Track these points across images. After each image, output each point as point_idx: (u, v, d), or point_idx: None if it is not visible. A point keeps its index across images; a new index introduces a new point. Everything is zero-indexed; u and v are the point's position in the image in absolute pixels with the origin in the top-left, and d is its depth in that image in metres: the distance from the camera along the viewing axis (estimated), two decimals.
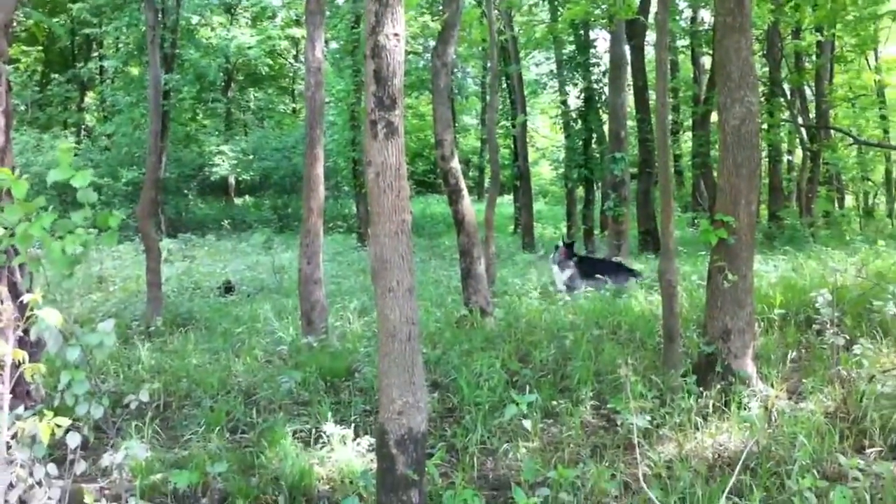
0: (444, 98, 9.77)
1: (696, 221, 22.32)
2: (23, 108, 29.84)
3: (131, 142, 26.30)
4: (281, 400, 6.16)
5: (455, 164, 9.57)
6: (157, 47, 10.98)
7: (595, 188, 17.92)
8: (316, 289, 7.61)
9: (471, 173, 41.77)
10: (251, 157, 29.24)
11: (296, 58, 36.70)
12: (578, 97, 20.77)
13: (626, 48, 14.19)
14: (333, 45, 23.56)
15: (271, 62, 32.78)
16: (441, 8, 9.72)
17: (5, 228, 3.36)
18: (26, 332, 4.35)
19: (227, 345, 7.91)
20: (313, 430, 5.41)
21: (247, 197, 33.04)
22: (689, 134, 27.82)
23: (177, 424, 5.83)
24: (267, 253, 17.79)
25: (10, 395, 4.24)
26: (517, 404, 4.84)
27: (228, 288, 13.06)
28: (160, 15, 21.57)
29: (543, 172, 36.34)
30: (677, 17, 20.16)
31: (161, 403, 6.23)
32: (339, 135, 22.56)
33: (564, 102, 20.55)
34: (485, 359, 6.66)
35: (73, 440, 3.46)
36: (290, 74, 37.43)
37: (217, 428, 5.50)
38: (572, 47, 19.42)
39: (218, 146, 29.26)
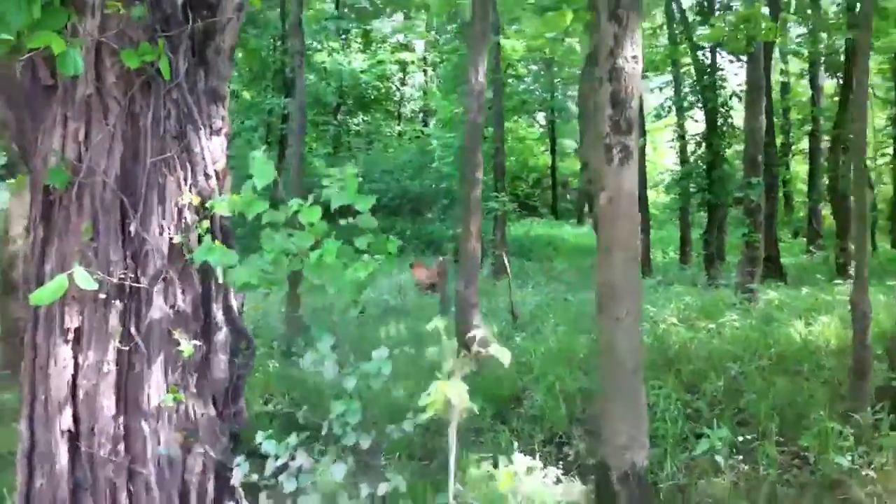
0: (593, 121, 9.66)
1: (811, 249, 21.55)
2: None
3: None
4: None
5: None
6: (302, 73, 11.22)
7: (718, 213, 17.49)
8: (474, 312, 7.58)
9: (568, 196, 41.41)
10: (360, 179, 29.64)
11: (402, 81, 37.21)
12: (696, 121, 20.41)
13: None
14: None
15: (380, 85, 33.33)
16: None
17: (288, 254, 3.36)
18: (234, 352, 4.43)
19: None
20: (497, 459, 5.33)
21: (351, 219, 33.42)
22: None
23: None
24: (384, 274, 17.92)
25: (217, 416, 4.32)
26: (709, 438, 4.68)
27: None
28: (281, 41, 22.17)
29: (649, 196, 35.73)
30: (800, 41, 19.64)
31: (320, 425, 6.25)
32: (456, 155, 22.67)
33: (682, 125, 20.15)
34: (651, 388, 6.48)
35: (339, 471, 3.41)
36: (396, 98, 37.95)
37: (398, 454, 5.49)
38: (686, 68, 19.10)
39: (326, 168, 29.73)
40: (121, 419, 4.06)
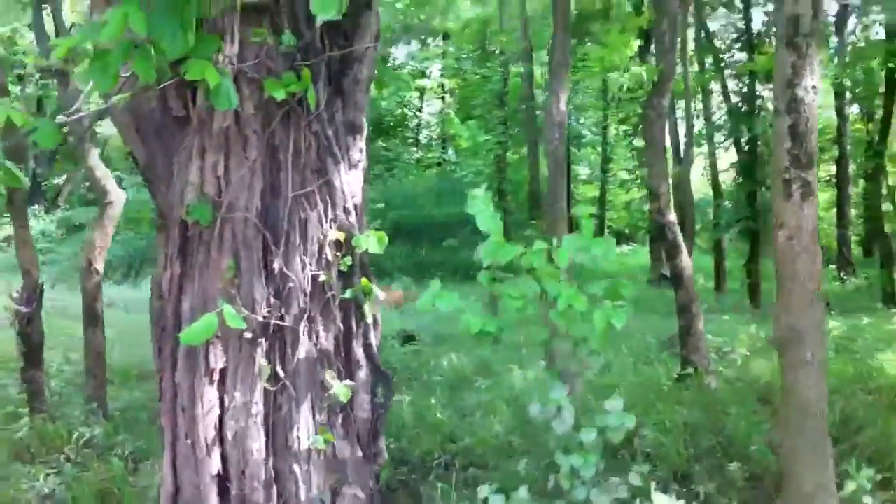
0: (659, 150, 9.56)
1: (842, 277, 21.33)
2: None
3: None
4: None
5: (672, 217, 9.30)
6: None
7: (759, 241, 17.32)
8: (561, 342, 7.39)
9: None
10: (382, 205, 29.59)
11: (419, 109, 37.24)
12: (726, 149, 20.31)
13: None
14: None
15: (400, 112, 33.34)
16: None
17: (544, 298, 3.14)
18: (373, 391, 4.28)
19: (477, 400, 7.70)
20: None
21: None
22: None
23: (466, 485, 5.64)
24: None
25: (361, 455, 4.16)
26: (853, 479, 4.49)
27: (409, 337, 12.95)
28: None
29: None
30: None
31: (442, 462, 6.08)
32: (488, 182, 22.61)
33: (713, 153, 20.03)
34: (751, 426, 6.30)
35: None
36: (414, 125, 37.96)
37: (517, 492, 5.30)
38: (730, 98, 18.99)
39: None
40: (270, 462, 3.91)
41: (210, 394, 3.87)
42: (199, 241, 3.97)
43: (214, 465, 3.84)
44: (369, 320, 4.20)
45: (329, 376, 4.05)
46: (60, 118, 3.51)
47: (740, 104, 17.91)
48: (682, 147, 19.68)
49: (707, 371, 8.86)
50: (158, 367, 4.16)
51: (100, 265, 6.92)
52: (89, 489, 5.37)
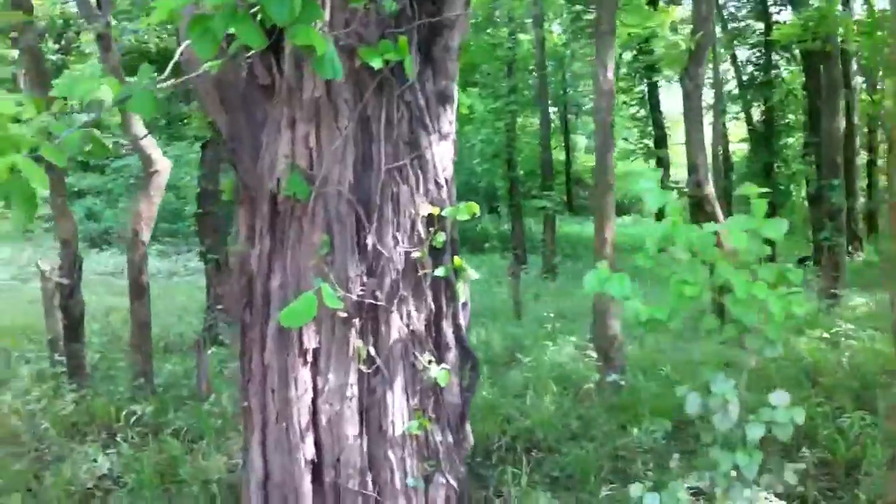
0: (698, 121, 9.41)
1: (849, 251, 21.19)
2: None
3: None
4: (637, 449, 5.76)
5: (710, 190, 9.19)
6: None
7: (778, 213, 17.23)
8: (613, 322, 7.29)
9: (581, 193, 41.06)
10: None
11: None
12: (737, 118, 20.19)
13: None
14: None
15: None
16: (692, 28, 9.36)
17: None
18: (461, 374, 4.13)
19: (527, 382, 7.56)
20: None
21: None
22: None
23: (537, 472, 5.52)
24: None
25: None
26: None
27: None
28: None
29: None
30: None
31: (502, 445, 5.96)
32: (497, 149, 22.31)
33: (724, 125, 19.86)
34: (816, 406, 6.21)
35: None
36: None
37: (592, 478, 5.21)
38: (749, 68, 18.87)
39: None
40: (364, 448, 3.77)
41: (304, 376, 3.72)
42: (290, 216, 3.79)
43: (308, 450, 3.70)
44: (461, 299, 4.04)
45: (422, 358, 3.91)
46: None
47: (756, 74, 17.72)
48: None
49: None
50: (244, 347, 4.00)
51: (146, 236, 6.74)
52: (149, 469, 5.22)
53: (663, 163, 23.39)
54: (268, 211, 3.83)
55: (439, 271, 3.92)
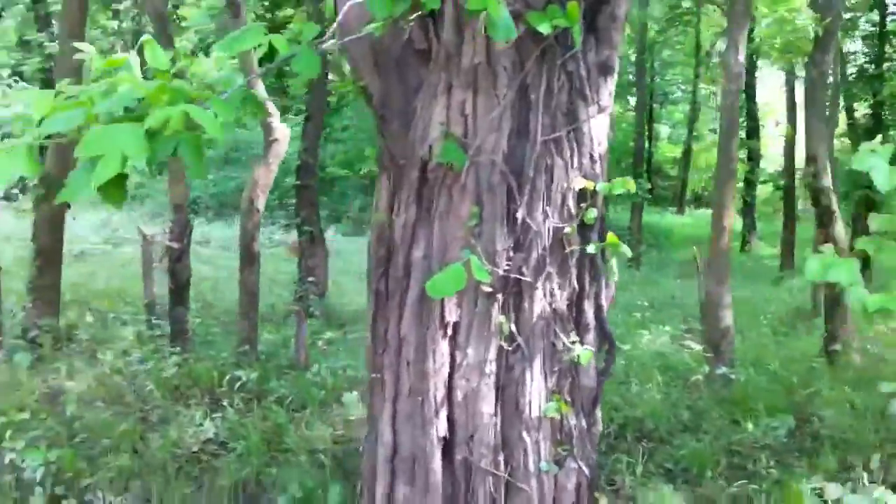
0: (821, 110, 8.98)
1: None
2: None
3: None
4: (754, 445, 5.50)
5: (828, 182, 8.77)
6: None
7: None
8: (726, 314, 6.99)
9: (660, 183, 40.05)
10: None
11: None
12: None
13: None
14: None
15: None
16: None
17: None
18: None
19: (627, 370, 7.33)
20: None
21: None
22: None
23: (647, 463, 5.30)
24: None
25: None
26: None
27: None
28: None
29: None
30: None
31: (611, 432, 5.74)
32: None
33: (851, 115, 18.94)
34: None
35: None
36: None
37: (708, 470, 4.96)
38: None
39: None
40: (498, 427, 3.59)
41: (443, 349, 3.57)
42: (440, 185, 3.62)
43: (442, 426, 3.56)
44: (610, 279, 3.83)
45: (563, 338, 3.72)
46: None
47: (866, 67, 16.97)
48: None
49: (853, 346, 8.42)
50: (377, 317, 3.87)
51: (261, 204, 6.68)
52: (255, 436, 5.15)
53: (754, 154, 22.71)
54: (416, 179, 3.69)
55: (590, 248, 3.71)
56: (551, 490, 3.69)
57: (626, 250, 3.80)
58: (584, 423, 3.84)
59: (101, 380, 6.18)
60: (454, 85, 3.59)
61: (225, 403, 5.73)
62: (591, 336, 3.87)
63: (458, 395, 3.56)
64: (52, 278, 8.46)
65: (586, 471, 3.80)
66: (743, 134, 22.27)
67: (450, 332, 3.58)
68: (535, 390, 3.64)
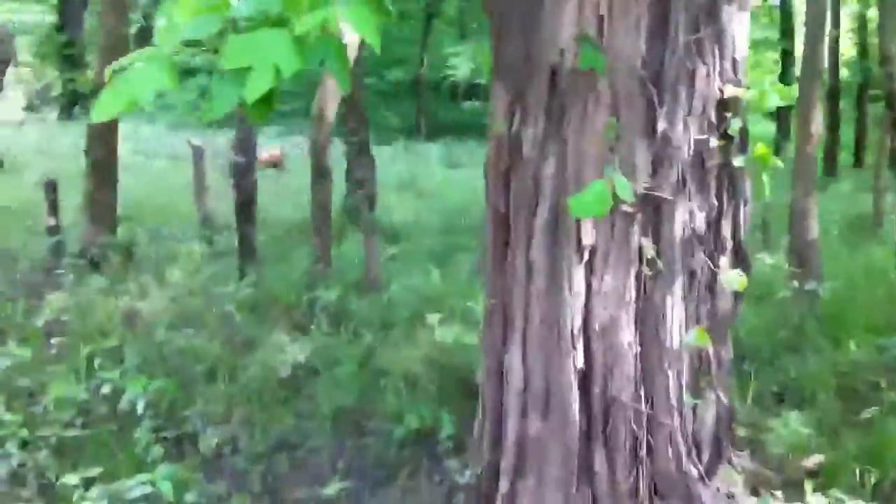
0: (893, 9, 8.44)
1: None
2: None
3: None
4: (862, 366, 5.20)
5: None
6: None
7: None
8: (813, 226, 6.65)
9: None
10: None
11: None
12: None
13: None
14: None
15: None
16: None
17: None
18: None
19: None
20: None
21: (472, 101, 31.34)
22: None
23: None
24: None
25: None
26: None
27: None
28: None
29: None
30: None
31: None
32: None
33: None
34: None
35: None
36: None
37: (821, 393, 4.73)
38: None
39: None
40: (638, 358, 3.36)
41: (578, 275, 3.30)
42: (572, 95, 3.29)
43: (579, 358, 3.32)
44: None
45: (703, 261, 3.45)
46: None
47: None
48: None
49: None
50: (495, 240, 3.60)
51: (331, 113, 6.34)
52: (349, 361, 4.97)
53: (791, 59, 21.72)
54: (545, 88, 3.35)
55: (737, 161, 3.41)
56: (691, 423, 3.48)
57: (777, 162, 3.48)
58: (722, 353, 3.61)
59: (178, 301, 5.98)
60: None
61: (312, 326, 5.53)
62: (725, 259, 3.60)
63: (596, 324, 3.32)
64: (107, 194, 8.25)
65: (725, 401, 3.59)
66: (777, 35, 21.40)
67: (586, 256, 3.31)
68: (676, 318, 3.39)
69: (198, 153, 9.36)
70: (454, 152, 19.94)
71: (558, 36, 3.27)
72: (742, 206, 3.60)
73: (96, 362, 4.74)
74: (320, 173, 6.50)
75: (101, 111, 2.41)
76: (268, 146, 16.12)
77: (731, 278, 3.40)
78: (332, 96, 6.34)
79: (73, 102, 25.90)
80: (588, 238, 3.29)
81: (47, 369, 4.73)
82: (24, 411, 4.27)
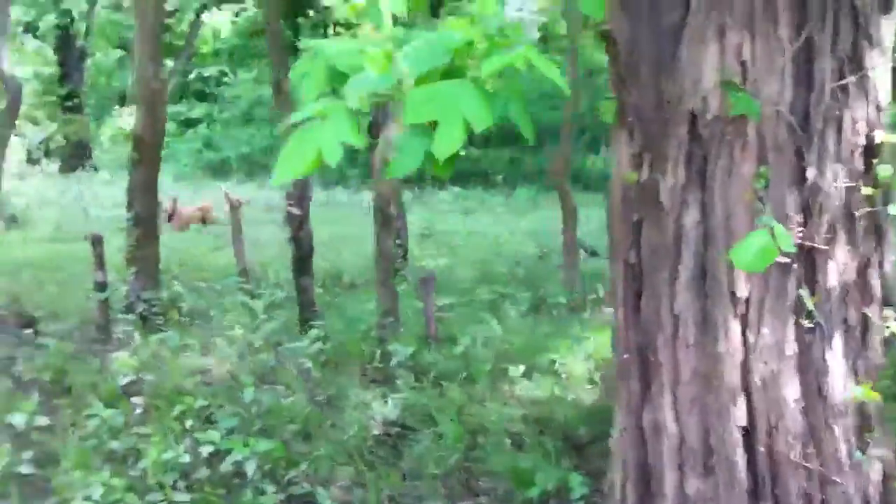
0: None
1: None
2: None
3: None
4: None
5: None
6: None
7: None
8: None
9: None
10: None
11: None
12: None
13: None
14: None
15: None
16: None
17: None
18: None
19: None
20: None
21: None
22: None
23: None
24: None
25: None
26: None
27: (593, 252, 12.31)
28: None
29: None
30: None
31: None
32: None
33: None
34: None
35: None
36: None
37: None
38: None
39: None
40: (801, 415, 3.24)
41: (735, 329, 3.19)
42: (719, 142, 3.21)
43: (741, 414, 3.19)
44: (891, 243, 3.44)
45: (857, 312, 3.35)
46: None
47: None
48: None
49: None
50: (626, 294, 3.48)
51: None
52: (448, 418, 4.81)
53: None
54: (685, 135, 3.26)
55: (892, 209, 3.32)
56: (862, 481, 3.35)
57: None
58: (881, 405, 3.49)
59: (246, 357, 5.82)
60: (727, 26, 3.16)
61: (398, 382, 5.37)
62: (875, 308, 3.50)
63: (756, 379, 3.20)
64: (151, 248, 8.14)
65: (892, 458, 3.46)
66: None
67: (740, 308, 3.20)
68: (838, 372, 3.28)
69: (235, 203, 9.24)
70: (467, 199, 19.94)
71: (700, 82, 3.19)
72: (887, 255, 3.51)
73: (187, 423, 4.56)
74: (384, 223, 6.38)
75: (284, 170, 2.31)
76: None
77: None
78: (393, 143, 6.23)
79: (74, 154, 25.88)
80: (742, 290, 3.19)
81: (136, 430, 4.54)
82: (126, 475, 4.08)
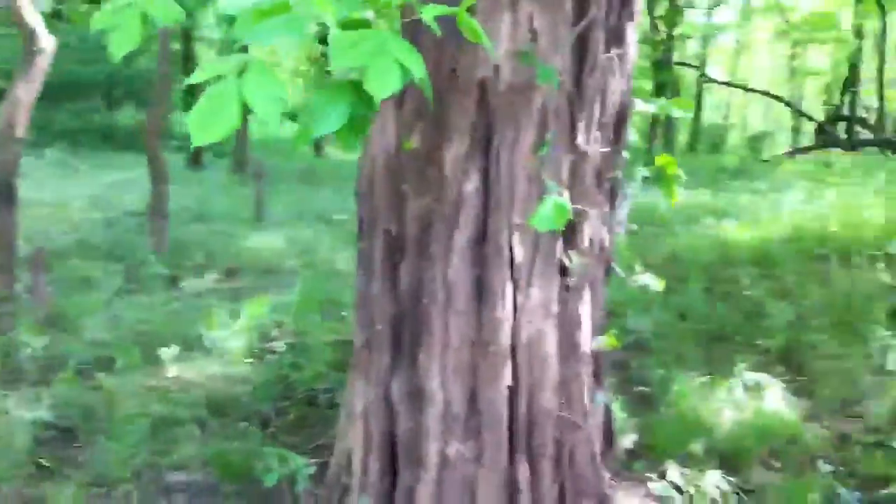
0: None
1: None
2: None
3: None
4: None
5: None
6: None
7: None
8: None
9: None
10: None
11: None
12: None
13: None
14: None
15: None
16: None
17: None
18: None
19: None
20: None
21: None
22: None
23: None
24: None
25: None
26: None
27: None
28: None
29: None
30: None
31: None
32: None
33: None
34: None
35: None
36: None
37: None
38: None
39: None
40: (558, 368, 3.46)
41: (509, 292, 3.26)
42: (505, 110, 3.19)
43: (508, 375, 3.28)
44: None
45: (598, 268, 3.64)
46: None
47: None
48: None
49: None
50: (384, 261, 3.38)
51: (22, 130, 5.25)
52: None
53: None
54: (473, 105, 3.18)
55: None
56: (599, 424, 3.68)
57: (681, 173, 3.71)
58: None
59: None
60: None
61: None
62: (610, 263, 3.82)
63: (523, 338, 3.29)
64: None
65: (612, 400, 3.85)
66: None
67: (516, 274, 3.27)
68: (587, 325, 3.53)
69: None
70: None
71: (495, 51, 3.11)
72: (621, 216, 3.82)
73: None
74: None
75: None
76: None
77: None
78: (25, 108, 5.22)
79: None
80: (520, 254, 3.24)
81: None
82: None
